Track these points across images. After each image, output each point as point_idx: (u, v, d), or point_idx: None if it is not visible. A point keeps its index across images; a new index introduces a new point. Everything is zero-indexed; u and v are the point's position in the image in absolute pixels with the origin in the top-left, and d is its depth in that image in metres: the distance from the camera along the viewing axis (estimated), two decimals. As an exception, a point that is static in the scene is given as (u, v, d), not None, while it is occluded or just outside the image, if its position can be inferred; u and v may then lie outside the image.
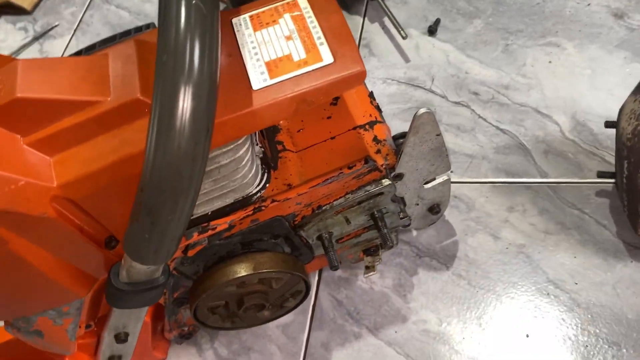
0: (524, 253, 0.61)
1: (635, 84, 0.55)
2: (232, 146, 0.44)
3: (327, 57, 0.42)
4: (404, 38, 0.78)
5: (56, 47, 1.05)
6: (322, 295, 0.65)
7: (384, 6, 0.80)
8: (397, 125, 0.75)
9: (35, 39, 1.08)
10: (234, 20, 0.47)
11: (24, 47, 1.07)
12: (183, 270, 0.54)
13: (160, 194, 0.35)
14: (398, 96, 0.77)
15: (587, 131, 0.66)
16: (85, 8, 1.09)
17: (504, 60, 0.75)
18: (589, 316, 0.56)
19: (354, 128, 0.57)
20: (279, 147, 0.57)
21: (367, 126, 0.57)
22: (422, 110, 0.49)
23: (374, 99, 0.60)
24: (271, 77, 0.42)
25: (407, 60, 0.80)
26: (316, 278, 0.66)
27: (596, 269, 0.58)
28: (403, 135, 0.57)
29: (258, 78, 0.42)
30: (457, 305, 0.60)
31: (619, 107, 0.55)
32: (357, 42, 0.85)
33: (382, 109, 0.76)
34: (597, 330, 0.55)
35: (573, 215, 0.61)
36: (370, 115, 0.58)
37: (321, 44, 0.43)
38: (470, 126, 0.71)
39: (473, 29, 0.79)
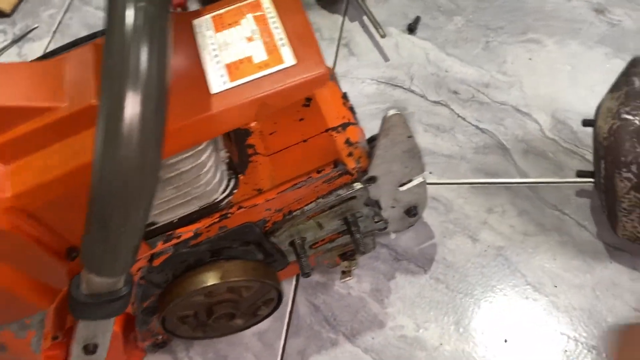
0: (502, 255, 0.59)
1: (622, 70, 0.54)
2: (192, 152, 0.43)
3: (288, 59, 0.41)
4: (382, 37, 0.77)
5: (35, 50, 1.03)
6: (300, 301, 0.63)
7: (363, 5, 0.79)
8: (376, 125, 0.73)
9: (14, 42, 1.06)
10: (195, 22, 0.45)
11: (3, 50, 1.05)
12: (151, 279, 0.53)
13: (110, 205, 0.34)
14: (377, 96, 0.76)
15: (567, 129, 0.65)
16: (64, 10, 1.07)
17: (485, 58, 0.74)
18: (568, 319, 0.54)
19: (327, 130, 0.56)
20: (250, 151, 0.55)
21: (339, 128, 0.56)
22: (391, 112, 0.48)
23: (348, 100, 0.59)
24: (231, 80, 0.40)
25: (386, 59, 0.78)
26: (293, 283, 0.65)
27: (576, 271, 0.57)
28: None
29: (218, 81, 0.41)
30: (435, 310, 0.58)
31: (598, 104, 0.54)
32: (337, 42, 0.83)
33: (361, 109, 0.75)
34: (577, 335, 0.53)
35: (553, 216, 0.60)
36: (344, 117, 0.56)
37: (283, 45, 0.42)
38: (449, 126, 0.70)
39: (454, 26, 0.78)
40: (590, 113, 0.64)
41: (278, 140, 0.57)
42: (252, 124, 0.56)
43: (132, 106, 0.32)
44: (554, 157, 0.64)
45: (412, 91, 0.74)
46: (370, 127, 0.71)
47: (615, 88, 0.52)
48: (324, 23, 0.86)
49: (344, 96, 0.59)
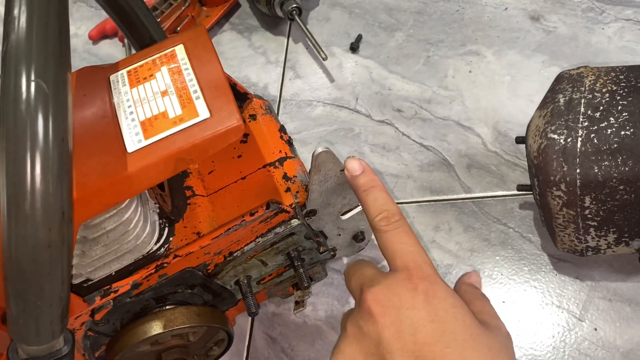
0: (451, 274, 0.60)
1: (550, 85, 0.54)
2: (115, 211, 0.43)
3: (203, 112, 0.41)
4: (324, 59, 0.77)
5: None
6: (257, 334, 0.63)
7: (304, 28, 0.79)
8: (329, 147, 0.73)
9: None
10: (112, 77, 0.45)
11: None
12: (99, 330, 0.53)
13: (22, 282, 0.34)
14: (324, 118, 0.76)
15: (508, 141, 0.66)
16: None
17: (426, 73, 0.74)
18: (516, 335, 0.55)
19: (264, 166, 0.56)
20: (188, 193, 0.55)
21: (277, 163, 0.56)
22: (319, 150, 0.48)
23: (285, 133, 0.59)
24: (146, 138, 0.40)
25: (331, 80, 0.79)
26: (250, 317, 0.65)
27: (523, 285, 0.57)
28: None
29: (133, 139, 0.40)
30: (388, 334, 0.59)
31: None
32: (283, 65, 0.83)
33: (309, 132, 0.76)
34: (520, 354, 0.54)
35: (498, 231, 0.61)
36: (280, 151, 0.57)
37: (197, 98, 0.42)
38: (395, 145, 0.70)
39: (395, 42, 0.78)
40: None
41: (217, 179, 0.57)
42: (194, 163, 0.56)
43: (31, 187, 0.32)
44: (496, 171, 0.64)
45: (358, 111, 0.75)
46: (319, 149, 0.72)
47: (542, 105, 0.53)
48: (269, 45, 0.86)
49: (281, 129, 0.59)
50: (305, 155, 0.73)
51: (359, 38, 0.80)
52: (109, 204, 0.41)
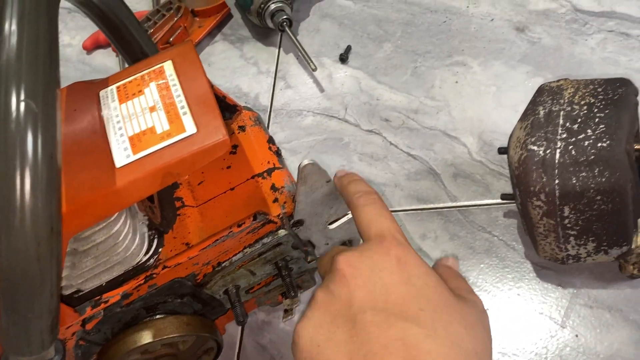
0: (437, 282, 0.61)
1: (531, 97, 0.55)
2: (104, 224, 0.44)
3: (190, 128, 0.42)
4: (313, 70, 0.78)
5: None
6: (247, 342, 0.64)
7: (294, 39, 0.80)
8: (314, 157, 0.74)
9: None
10: (102, 93, 0.46)
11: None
12: (90, 339, 0.54)
13: (12, 294, 0.35)
14: (314, 127, 0.77)
15: (493, 151, 0.67)
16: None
17: (413, 84, 0.75)
18: (499, 342, 0.56)
19: (253, 177, 0.57)
20: (178, 204, 0.56)
21: (265, 174, 0.57)
22: (305, 162, 0.49)
23: (274, 144, 0.60)
24: (134, 153, 0.41)
25: (321, 90, 0.80)
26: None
27: (507, 292, 0.59)
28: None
29: (121, 154, 0.42)
30: (375, 341, 0.60)
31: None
32: (274, 75, 0.85)
33: (299, 142, 0.77)
34: (503, 351, 0.55)
35: (482, 239, 0.62)
36: (269, 162, 0.58)
37: (184, 113, 0.43)
38: (382, 154, 0.71)
39: (383, 53, 0.80)
40: (514, 133, 0.66)
41: (206, 190, 0.58)
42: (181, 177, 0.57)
43: (20, 202, 0.33)
44: (481, 180, 0.66)
45: (347, 121, 0.76)
46: (309, 157, 0.73)
47: (523, 117, 0.54)
48: (261, 56, 0.87)
49: (270, 140, 0.60)
50: (295, 165, 0.73)
51: (348, 49, 0.81)
52: (98, 217, 0.42)
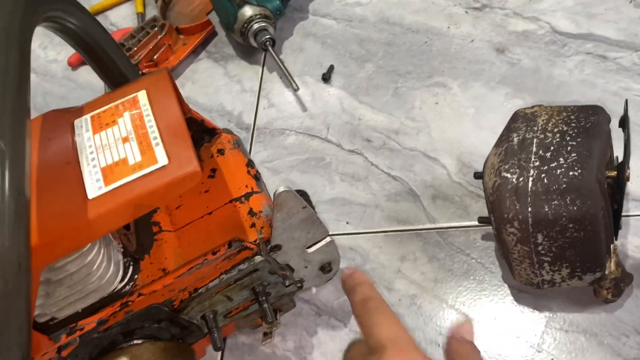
0: (415, 304, 0.61)
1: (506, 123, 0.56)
2: (78, 254, 0.44)
3: (162, 159, 0.42)
4: (296, 90, 0.79)
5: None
6: (227, 364, 0.64)
7: (276, 59, 0.81)
8: (296, 177, 0.75)
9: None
10: (76, 122, 0.46)
11: None
12: (67, 365, 0.54)
13: (-20, 331, 0.35)
14: (296, 147, 0.77)
15: (472, 173, 0.67)
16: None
17: (394, 104, 0.76)
18: (477, 366, 0.56)
19: (230, 201, 0.57)
20: (155, 229, 0.57)
21: (242, 198, 0.57)
22: (280, 189, 0.49)
23: (253, 167, 0.60)
24: (106, 184, 0.42)
25: (304, 109, 0.80)
26: (219, 347, 0.65)
27: (485, 315, 0.59)
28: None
29: (94, 186, 0.42)
30: (353, 364, 0.60)
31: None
32: (257, 93, 0.85)
33: (281, 161, 0.77)
34: (483, 381, 0.55)
35: (461, 262, 0.62)
36: (247, 186, 0.58)
37: (157, 144, 0.43)
38: (364, 174, 0.72)
39: (365, 73, 0.80)
40: (493, 155, 0.67)
41: (184, 214, 0.58)
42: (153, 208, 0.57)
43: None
44: (460, 201, 0.66)
45: (329, 141, 0.76)
46: (290, 177, 0.74)
47: (498, 143, 0.54)
48: (245, 74, 0.88)
49: (249, 164, 0.61)
50: (276, 184, 0.74)
51: (331, 68, 0.82)
52: (70, 249, 0.42)
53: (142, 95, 0.46)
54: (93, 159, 0.43)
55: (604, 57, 0.71)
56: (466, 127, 0.71)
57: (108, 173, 0.42)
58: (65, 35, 0.53)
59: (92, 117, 0.46)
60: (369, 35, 0.83)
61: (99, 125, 0.45)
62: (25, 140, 0.36)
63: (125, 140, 0.44)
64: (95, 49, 0.56)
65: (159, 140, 0.43)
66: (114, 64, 0.58)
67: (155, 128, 0.44)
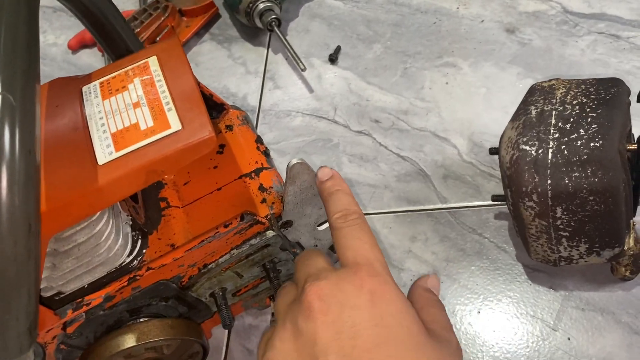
0: (427, 284, 0.60)
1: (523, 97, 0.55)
2: (86, 223, 0.42)
3: (175, 124, 0.41)
4: (302, 70, 0.77)
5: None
6: (233, 346, 0.63)
7: (283, 39, 0.79)
8: (303, 158, 0.73)
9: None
10: (85, 89, 0.45)
11: None
12: (72, 344, 0.52)
13: (-12, 295, 0.33)
14: (302, 128, 0.76)
15: (483, 152, 0.66)
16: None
17: (403, 85, 0.75)
18: (491, 346, 0.55)
19: (240, 177, 0.56)
20: (163, 205, 0.55)
21: (253, 174, 0.56)
22: (293, 161, 0.48)
23: (262, 144, 0.59)
24: (117, 150, 0.40)
25: (310, 90, 0.79)
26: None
27: (498, 296, 0.58)
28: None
29: (104, 152, 0.40)
30: (364, 345, 0.59)
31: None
32: (263, 75, 0.84)
33: (288, 143, 0.76)
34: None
35: (473, 241, 0.61)
36: (257, 162, 0.57)
37: (169, 110, 0.41)
38: (372, 155, 0.70)
39: (373, 54, 0.79)
40: (505, 134, 0.66)
41: (192, 190, 0.56)
42: (165, 176, 0.56)
43: (-4, 197, 0.31)
44: (472, 181, 0.65)
45: (336, 122, 0.75)
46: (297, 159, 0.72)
47: (515, 117, 0.53)
48: (249, 56, 0.86)
49: (258, 140, 0.59)
50: (284, 166, 0.72)
51: (338, 49, 0.81)
52: (79, 216, 0.40)
53: (153, 61, 0.45)
54: (103, 125, 0.42)
55: (617, 36, 0.70)
56: (477, 107, 0.70)
57: (119, 138, 0.41)
58: (72, 5, 0.51)
59: (100, 83, 0.45)
60: (377, 16, 0.82)
61: (108, 91, 0.44)
62: (36, 98, 0.35)
63: (136, 105, 0.42)
64: (102, 21, 0.54)
65: (171, 105, 0.41)
66: (121, 37, 0.57)
67: (167, 93, 0.42)
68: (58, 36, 1.01)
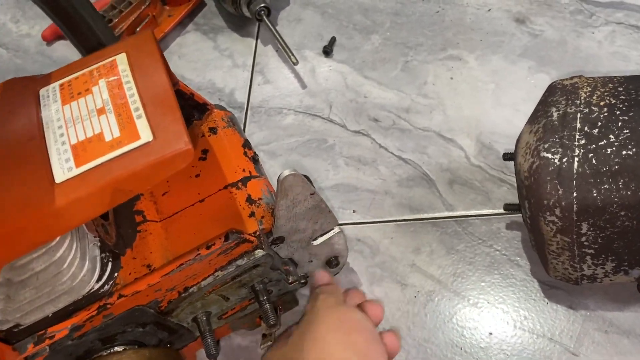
0: (433, 301, 0.55)
1: (540, 97, 0.49)
2: (44, 250, 0.36)
3: (145, 134, 0.35)
4: (294, 64, 0.71)
5: None
6: (221, 369, 0.58)
7: (273, 30, 0.73)
8: (296, 160, 0.68)
9: None
10: (42, 92, 0.39)
11: None
12: (37, 377, 0.46)
13: None
14: (295, 127, 0.70)
15: (493, 154, 0.61)
16: (-41, 47, 0.98)
17: (404, 80, 0.69)
18: (505, 372, 0.50)
19: (225, 187, 0.50)
20: (139, 218, 0.49)
21: (239, 184, 0.50)
22: (285, 173, 0.42)
23: (250, 148, 0.53)
24: (77, 165, 0.34)
25: (303, 86, 0.73)
26: (212, 350, 0.58)
27: (512, 315, 0.52)
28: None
29: (62, 167, 0.34)
30: (364, 370, 0.53)
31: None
32: (251, 69, 0.77)
33: (279, 143, 0.70)
34: (514, 389, 0.49)
35: (483, 254, 0.56)
36: (244, 169, 0.51)
37: (139, 117, 0.35)
38: (371, 158, 0.65)
39: (371, 45, 0.73)
40: (515, 134, 0.59)
41: (171, 202, 0.50)
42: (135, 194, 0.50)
43: None
44: (481, 187, 0.59)
45: (332, 120, 0.69)
46: (290, 161, 0.66)
47: (533, 119, 0.48)
48: (237, 48, 0.80)
49: (245, 144, 0.53)
50: (274, 170, 0.67)
51: (333, 41, 0.74)
52: (34, 243, 0.34)
53: (121, 59, 0.39)
54: (62, 135, 0.35)
55: (637, 27, 0.64)
56: (485, 104, 0.64)
57: (80, 151, 0.35)
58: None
59: (61, 85, 0.38)
60: (375, 4, 0.76)
61: (69, 95, 0.38)
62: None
63: (100, 112, 0.36)
64: (68, 11, 0.48)
65: (141, 111, 0.35)
66: (91, 30, 0.51)
67: (136, 97, 0.36)
68: (32, 26, 0.94)
